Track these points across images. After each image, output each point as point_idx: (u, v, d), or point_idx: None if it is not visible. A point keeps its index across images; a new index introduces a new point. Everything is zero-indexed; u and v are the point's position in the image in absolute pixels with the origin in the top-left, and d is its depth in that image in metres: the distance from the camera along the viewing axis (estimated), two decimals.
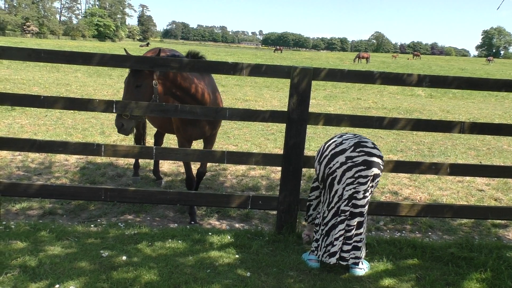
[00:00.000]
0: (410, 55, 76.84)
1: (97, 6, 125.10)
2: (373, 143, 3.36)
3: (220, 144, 7.99)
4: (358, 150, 3.26)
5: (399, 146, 8.73)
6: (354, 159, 3.23)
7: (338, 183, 3.27)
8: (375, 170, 3.26)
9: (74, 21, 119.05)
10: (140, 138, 6.06)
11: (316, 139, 8.88)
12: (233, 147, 7.88)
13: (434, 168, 4.09)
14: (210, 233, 3.96)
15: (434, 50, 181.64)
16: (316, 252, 3.46)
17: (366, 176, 3.24)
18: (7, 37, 68.58)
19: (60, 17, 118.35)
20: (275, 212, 4.27)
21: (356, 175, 3.23)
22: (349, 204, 3.29)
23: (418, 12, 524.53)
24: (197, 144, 7.50)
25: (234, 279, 3.19)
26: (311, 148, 7.92)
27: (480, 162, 7.73)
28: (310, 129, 9.63)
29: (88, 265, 3.26)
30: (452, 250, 3.81)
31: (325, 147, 3.39)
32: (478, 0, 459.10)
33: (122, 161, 6.48)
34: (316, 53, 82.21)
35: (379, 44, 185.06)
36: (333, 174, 3.27)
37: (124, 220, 4.51)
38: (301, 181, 4.09)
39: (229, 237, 3.89)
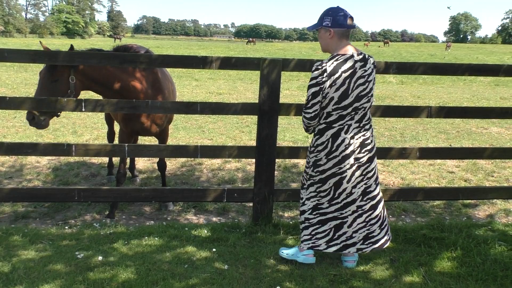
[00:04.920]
0: (381, 42, 77.86)
1: (64, 2, 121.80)
2: (371, 139, 3.24)
3: (195, 138, 7.96)
4: (363, 150, 3.16)
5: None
6: (361, 160, 3.17)
7: (348, 182, 3.18)
8: (375, 162, 3.29)
9: (41, 18, 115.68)
10: (112, 136, 5.98)
11: (290, 129, 8.94)
12: (208, 141, 7.86)
13: (404, 153, 4.19)
14: (186, 228, 3.96)
15: (404, 37, 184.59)
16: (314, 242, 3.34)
17: (371, 170, 3.24)
18: None
19: (26, 14, 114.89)
20: (251, 204, 4.30)
21: (364, 172, 3.21)
22: (364, 199, 3.25)
23: (388, 0, 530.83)
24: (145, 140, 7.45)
25: (212, 273, 3.21)
26: (285, 139, 7.98)
27: (450, 145, 7.94)
28: (284, 120, 9.68)
29: (64, 268, 3.22)
30: (424, 231, 3.91)
31: (334, 146, 3.12)
32: None
33: (95, 160, 6.39)
34: (288, 44, 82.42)
35: (351, 33, 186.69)
36: (343, 174, 3.16)
37: (99, 220, 4.46)
38: (276, 172, 4.12)
39: (206, 231, 3.90)
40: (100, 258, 3.36)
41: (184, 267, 3.28)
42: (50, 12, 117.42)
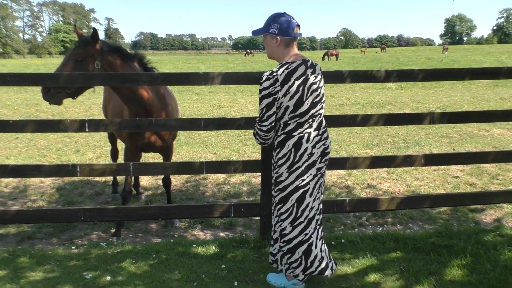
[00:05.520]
0: (378, 48, 78.18)
1: (61, 22, 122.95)
2: (330, 148, 3.17)
3: (198, 153, 7.97)
4: (323, 160, 3.10)
5: (375, 140, 8.88)
6: (321, 170, 3.10)
7: (310, 196, 3.06)
8: (325, 172, 3.23)
9: (39, 38, 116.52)
10: (116, 154, 5.99)
11: None
12: (212, 155, 7.86)
13: (409, 161, 4.18)
14: (194, 245, 3.94)
15: (401, 42, 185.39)
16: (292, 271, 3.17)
17: (324, 181, 3.18)
18: None
19: (23, 35, 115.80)
20: (258, 218, 4.28)
21: (321, 183, 3.14)
22: (318, 212, 3.18)
23: (382, 5, 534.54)
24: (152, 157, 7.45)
25: None
26: None
27: (453, 149, 7.93)
28: None
29: None
30: (433, 239, 3.90)
31: (296, 156, 3.00)
32: None
33: (99, 179, 6.38)
34: None
35: (347, 40, 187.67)
36: (306, 186, 3.03)
37: (105, 238, 4.45)
38: None
39: (214, 247, 3.88)
40: (108, 278, 3.34)
41: (193, 284, 3.26)
42: (47, 32, 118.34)
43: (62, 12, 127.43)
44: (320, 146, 3.04)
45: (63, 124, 3.82)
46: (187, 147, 8.47)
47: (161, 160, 5.17)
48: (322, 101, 3.05)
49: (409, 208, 4.36)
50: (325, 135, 3.09)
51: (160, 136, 4.49)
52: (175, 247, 3.89)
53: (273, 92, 2.87)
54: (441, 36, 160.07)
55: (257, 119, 3.04)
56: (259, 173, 4.01)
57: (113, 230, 4.59)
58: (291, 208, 3.05)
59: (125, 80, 3.82)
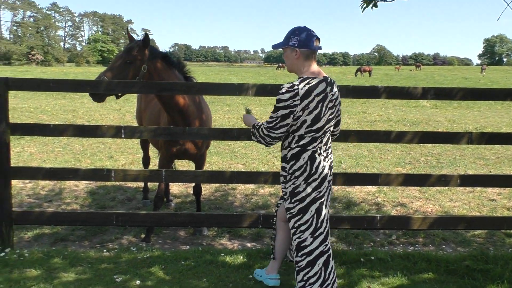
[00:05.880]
0: (413, 66, 77.10)
1: (100, 32, 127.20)
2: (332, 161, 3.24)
3: (228, 163, 8.02)
4: (331, 173, 3.15)
5: (407, 158, 8.71)
6: (330, 182, 3.15)
7: (325, 207, 3.09)
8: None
9: (78, 47, 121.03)
10: (147, 161, 6.11)
11: None
12: (241, 166, 7.90)
13: (444, 180, 4.08)
14: (222, 254, 3.96)
15: (437, 60, 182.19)
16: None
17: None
18: (13, 66, 69.75)
19: (64, 44, 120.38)
20: None
21: (330, 194, 3.19)
22: (328, 222, 3.18)
23: (418, 24, 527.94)
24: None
25: None
26: None
27: (490, 172, 7.68)
28: None
29: None
30: (467, 262, 3.77)
31: (313, 168, 3.00)
32: (478, 9, 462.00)
33: (131, 185, 6.51)
34: None
35: (381, 57, 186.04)
36: (322, 198, 3.05)
37: (135, 243, 4.52)
38: None
39: (241, 257, 3.88)
40: (138, 282, 3.39)
41: None
42: (86, 41, 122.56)
43: (101, 22, 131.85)
44: (328, 160, 3.11)
45: (101, 130, 3.94)
46: (217, 157, 8.55)
47: (191, 169, 5.23)
48: (336, 117, 3.13)
49: (442, 228, 4.25)
50: (330, 150, 3.15)
51: (195, 144, 4.56)
52: (204, 255, 3.91)
53: (292, 105, 2.88)
54: (480, 56, 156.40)
55: (266, 122, 3.03)
56: None
57: (143, 236, 4.66)
58: (311, 219, 3.03)
59: (162, 89, 3.91)
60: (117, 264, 3.76)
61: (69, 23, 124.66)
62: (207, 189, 6.37)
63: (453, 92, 3.99)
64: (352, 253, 4.01)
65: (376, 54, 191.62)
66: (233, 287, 3.37)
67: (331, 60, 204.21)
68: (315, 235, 3.03)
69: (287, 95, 2.88)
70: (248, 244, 4.61)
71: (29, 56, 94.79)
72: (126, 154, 8.64)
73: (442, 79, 38.07)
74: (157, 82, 3.97)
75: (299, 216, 3.04)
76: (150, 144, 6.06)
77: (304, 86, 2.89)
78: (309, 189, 3.00)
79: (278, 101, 2.92)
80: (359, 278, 3.58)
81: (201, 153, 4.78)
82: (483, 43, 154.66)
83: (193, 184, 5.15)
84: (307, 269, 3.04)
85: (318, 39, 3.03)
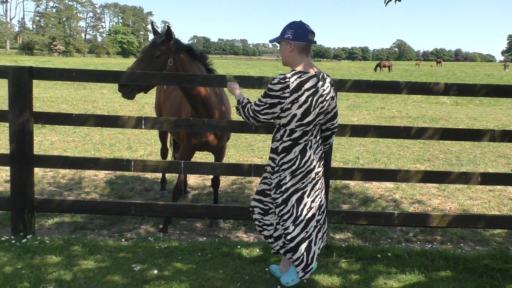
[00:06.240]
0: (434, 62, 75.83)
1: (120, 24, 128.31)
2: (323, 153, 3.34)
3: (245, 156, 8.04)
4: (321, 164, 3.25)
5: (426, 155, 8.60)
6: (319, 173, 3.23)
7: (308, 196, 3.19)
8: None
9: (99, 39, 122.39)
10: (165, 152, 6.17)
11: (340, 149, 8.84)
12: (258, 159, 7.91)
13: (464, 178, 4.02)
14: (239, 246, 3.98)
15: (458, 56, 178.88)
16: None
17: (323, 182, 3.31)
18: (35, 56, 71.03)
19: (85, 35, 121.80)
20: None
21: (320, 186, 3.27)
22: (320, 212, 3.30)
23: (440, 19, 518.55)
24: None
25: None
26: (335, 159, 7.88)
27: (511, 170, 7.54)
28: (335, 140, 9.57)
29: (121, 279, 3.32)
30: (486, 261, 3.72)
31: (302, 162, 3.11)
32: (503, 4, 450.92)
33: (149, 176, 6.59)
34: (337, 63, 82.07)
35: (401, 52, 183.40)
36: (305, 188, 3.17)
37: (153, 233, 4.58)
38: (328, 193, 4.08)
39: (257, 250, 3.90)
40: (155, 271, 3.44)
41: (237, 285, 3.29)
42: (107, 33, 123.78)
43: (122, 14, 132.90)
44: (318, 152, 3.22)
45: (121, 120, 3.99)
46: (234, 150, 8.57)
47: (209, 161, 5.25)
48: (327, 112, 3.18)
49: (461, 227, 4.20)
50: (320, 141, 3.26)
51: (216, 136, 4.59)
52: (220, 247, 3.94)
53: (281, 96, 2.98)
54: (503, 52, 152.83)
55: (254, 104, 3.13)
56: None
57: (160, 226, 4.71)
58: (292, 208, 3.16)
59: (182, 81, 3.94)
60: (135, 253, 3.82)
61: (91, 14, 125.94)
62: (223, 181, 6.40)
63: (476, 88, 3.92)
64: (369, 249, 4.00)
65: (396, 49, 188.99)
66: (249, 279, 3.40)
67: (350, 54, 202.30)
68: (296, 223, 3.17)
69: (278, 86, 2.97)
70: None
71: (51, 46, 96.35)
72: (144, 145, 8.74)
73: (463, 76, 37.40)
74: (177, 74, 4.00)
75: (283, 206, 3.17)
76: (169, 136, 6.12)
77: (296, 79, 2.98)
78: (293, 181, 3.13)
79: (269, 89, 3.02)
80: (376, 274, 3.56)
81: (222, 145, 4.81)
82: (507, 39, 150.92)
83: (211, 177, 5.17)
84: (292, 253, 3.19)
85: (313, 33, 3.13)
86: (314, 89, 3.02)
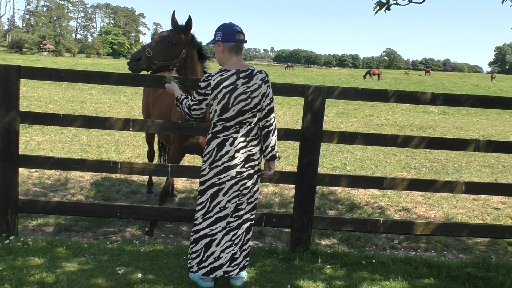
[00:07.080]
0: (423, 71, 76.72)
1: (111, 25, 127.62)
2: (258, 156, 3.30)
3: None
4: (247, 165, 3.23)
5: (413, 163, 8.69)
6: (242, 174, 3.22)
7: (224, 195, 3.21)
8: (255, 181, 3.33)
9: (89, 39, 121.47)
10: (152, 155, 6.15)
11: (328, 156, 8.89)
12: None
13: (449, 186, 4.08)
14: None
15: (447, 66, 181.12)
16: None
17: (248, 187, 3.28)
18: (24, 55, 70.22)
19: (75, 35, 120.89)
20: (288, 230, 4.27)
21: (241, 188, 3.25)
22: (234, 216, 3.28)
23: (430, 29, 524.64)
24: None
25: None
26: (323, 166, 7.92)
27: (495, 180, 7.65)
28: (323, 146, 9.63)
29: (104, 282, 3.30)
30: (469, 269, 3.76)
31: (217, 156, 3.20)
32: (491, 17, 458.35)
33: (136, 178, 6.55)
34: (327, 70, 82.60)
35: (390, 60, 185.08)
36: (222, 185, 3.20)
37: (138, 236, 4.55)
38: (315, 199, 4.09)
39: None
40: (139, 275, 3.42)
41: None
42: (98, 33, 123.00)
43: (113, 15, 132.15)
44: (246, 152, 3.22)
45: (109, 122, 3.97)
46: None
47: (197, 165, 5.23)
48: (255, 110, 3.20)
49: (445, 235, 4.25)
50: (253, 143, 3.25)
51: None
52: None
53: (205, 93, 3.19)
54: (490, 64, 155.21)
55: (190, 99, 3.31)
56: (292, 185, 4.01)
57: (146, 229, 4.69)
58: (206, 201, 3.25)
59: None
60: (120, 256, 3.79)
61: (82, 14, 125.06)
62: None
63: (462, 98, 3.98)
64: (354, 256, 4.02)
65: (386, 57, 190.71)
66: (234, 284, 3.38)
67: (341, 62, 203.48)
68: (205, 217, 3.25)
69: (203, 84, 3.19)
70: (250, 242, 4.62)
71: (41, 45, 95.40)
72: (132, 148, 8.69)
73: (451, 85, 37.88)
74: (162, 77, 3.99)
75: (199, 197, 3.29)
76: (156, 139, 6.08)
77: (217, 77, 3.16)
78: (210, 174, 3.23)
79: (198, 87, 3.23)
80: (360, 281, 3.59)
81: None
82: (495, 51, 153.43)
83: (198, 180, 5.15)
84: (192, 245, 3.29)
85: (241, 33, 3.24)
86: (232, 86, 3.13)
